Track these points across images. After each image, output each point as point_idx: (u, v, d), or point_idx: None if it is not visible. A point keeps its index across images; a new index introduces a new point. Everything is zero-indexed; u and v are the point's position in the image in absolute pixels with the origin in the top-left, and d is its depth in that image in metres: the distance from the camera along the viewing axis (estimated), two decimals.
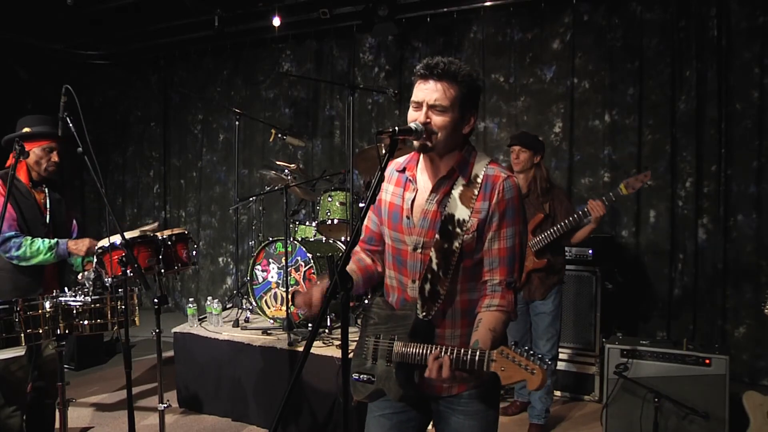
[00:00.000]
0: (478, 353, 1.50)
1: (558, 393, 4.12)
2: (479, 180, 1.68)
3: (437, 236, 1.68)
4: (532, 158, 3.45)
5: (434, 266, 1.68)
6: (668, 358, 3.20)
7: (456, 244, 1.66)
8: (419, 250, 1.73)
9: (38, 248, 2.72)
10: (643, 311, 4.75)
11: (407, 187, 1.79)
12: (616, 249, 4.74)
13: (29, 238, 2.72)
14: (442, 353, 1.55)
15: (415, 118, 1.65)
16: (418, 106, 1.66)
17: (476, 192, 1.67)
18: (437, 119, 1.64)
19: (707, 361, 3.11)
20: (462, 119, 1.67)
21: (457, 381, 1.57)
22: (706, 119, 4.51)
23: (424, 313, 1.69)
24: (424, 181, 1.77)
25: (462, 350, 1.53)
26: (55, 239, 2.78)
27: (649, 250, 4.76)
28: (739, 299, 4.42)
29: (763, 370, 4.33)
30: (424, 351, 1.62)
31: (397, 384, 1.70)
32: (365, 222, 1.93)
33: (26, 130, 2.79)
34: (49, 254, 2.74)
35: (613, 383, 3.28)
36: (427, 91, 1.65)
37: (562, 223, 3.34)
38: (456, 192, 1.69)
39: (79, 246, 2.82)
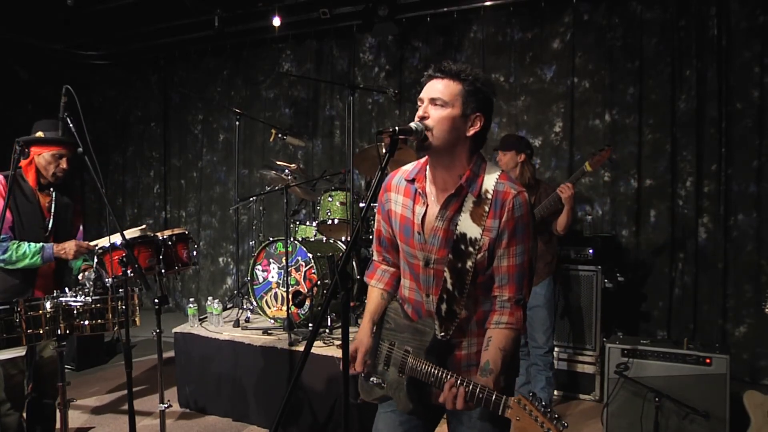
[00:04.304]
0: (494, 397, 1.50)
1: (558, 392, 4.13)
2: (489, 196, 1.64)
3: (450, 256, 1.66)
4: (515, 158, 3.58)
5: (449, 286, 1.67)
6: (669, 358, 3.20)
7: (469, 263, 1.64)
8: (431, 266, 1.72)
9: (24, 252, 2.70)
10: (644, 311, 4.75)
11: (417, 200, 1.75)
12: (616, 248, 4.74)
13: (16, 242, 2.70)
14: (458, 383, 1.55)
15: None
16: (421, 102, 1.66)
17: (486, 209, 1.64)
18: (435, 113, 1.61)
19: (708, 361, 3.11)
20: (463, 118, 1.62)
21: (469, 409, 1.57)
22: (707, 119, 4.51)
23: (442, 333, 1.69)
24: (433, 194, 1.73)
25: (479, 387, 1.53)
26: (41, 243, 2.75)
27: (650, 250, 4.75)
28: (740, 298, 4.42)
29: (764, 369, 4.33)
30: (439, 374, 1.62)
31: (407, 398, 1.70)
32: (376, 225, 1.93)
33: (39, 134, 2.81)
34: (35, 258, 2.72)
35: (614, 383, 3.28)
36: (429, 88, 1.65)
37: (541, 205, 3.49)
38: (466, 209, 1.66)
39: (66, 250, 2.78)
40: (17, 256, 2.68)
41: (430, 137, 1.61)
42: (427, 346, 1.69)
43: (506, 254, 1.65)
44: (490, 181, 1.66)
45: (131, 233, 2.99)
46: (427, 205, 1.73)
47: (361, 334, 1.83)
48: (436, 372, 1.63)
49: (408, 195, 1.78)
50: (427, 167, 1.75)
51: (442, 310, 1.68)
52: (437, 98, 1.62)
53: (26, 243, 2.72)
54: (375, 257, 1.98)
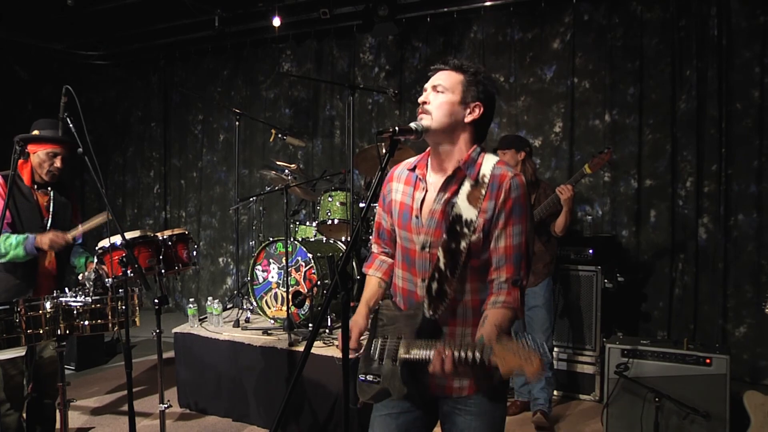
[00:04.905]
0: (478, 346, 1.50)
1: (558, 392, 4.13)
2: (486, 180, 1.68)
3: (445, 236, 1.68)
4: (516, 156, 3.63)
5: (441, 266, 1.68)
6: (669, 358, 3.20)
7: (463, 244, 1.66)
8: (427, 249, 1.73)
9: (11, 243, 2.67)
10: (644, 311, 4.75)
11: (417, 186, 1.80)
12: (616, 248, 4.74)
13: (6, 234, 2.69)
14: (445, 349, 1.54)
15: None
16: (425, 91, 1.74)
17: (483, 192, 1.67)
18: (435, 98, 1.70)
19: (708, 361, 3.11)
20: (462, 104, 1.70)
21: (460, 376, 1.56)
22: (707, 118, 4.51)
23: (431, 312, 1.69)
24: (433, 180, 1.78)
25: (464, 345, 1.53)
26: (26, 234, 2.73)
27: (650, 250, 4.75)
28: (740, 299, 4.42)
29: (764, 369, 4.33)
30: (429, 349, 1.61)
31: (401, 381, 1.69)
32: (377, 218, 1.97)
33: (35, 132, 2.81)
34: (18, 249, 2.68)
35: (614, 383, 3.28)
36: (434, 78, 1.75)
37: (540, 207, 3.52)
38: (463, 192, 1.69)
39: (42, 239, 2.72)
40: (5, 247, 2.67)
41: (429, 120, 1.69)
42: (417, 328, 1.69)
43: (503, 234, 1.66)
44: (487, 166, 1.70)
45: (90, 226, 2.94)
46: (426, 190, 1.77)
47: (356, 317, 1.85)
48: (426, 348, 1.62)
49: (409, 183, 1.83)
50: (429, 157, 1.81)
51: (433, 289, 1.69)
52: (438, 84, 1.71)
53: (14, 235, 2.70)
54: (374, 249, 2.01)
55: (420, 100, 1.72)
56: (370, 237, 4.12)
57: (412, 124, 1.66)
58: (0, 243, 2.67)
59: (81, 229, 2.87)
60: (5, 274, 2.75)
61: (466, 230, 1.66)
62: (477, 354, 1.49)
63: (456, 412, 1.76)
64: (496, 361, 1.44)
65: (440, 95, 1.70)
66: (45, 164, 2.81)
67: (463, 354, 1.51)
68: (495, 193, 1.66)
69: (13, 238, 2.69)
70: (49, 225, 2.85)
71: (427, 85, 1.74)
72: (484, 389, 1.73)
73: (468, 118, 1.71)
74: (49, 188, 2.89)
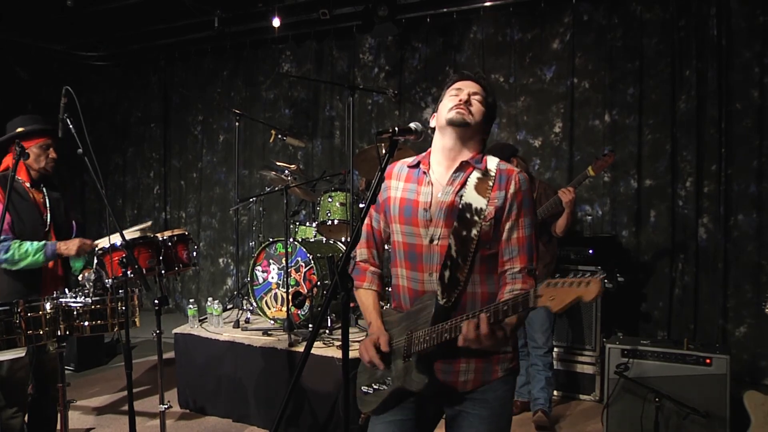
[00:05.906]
0: (520, 296, 1.47)
1: (558, 392, 4.13)
2: (493, 173, 1.75)
3: (456, 224, 1.71)
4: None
5: (453, 253, 1.69)
6: (669, 358, 3.20)
7: (474, 231, 1.69)
8: (436, 242, 1.73)
9: (26, 250, 2.67)
10: (644, 311, 4.75)
11: (421, 181, 1.81)
12: (616, 249, 4.74)
13: (18, 241, 2.68)
14: (477, 313, 1.53)
15: (454, 101, 1.76)
16: (459, 91, 1.79)
17: (491, 183, 1.73)
18: (476, 104, 1.78)
19: (708, 361, 3.11)
20: (486, 121, 1.80)
21: (493, 341, 1.53)
22: (707, 119, 4.51)
23: (444, 300, 1.68)
24: (438, 175, 1.80)
25: (500, 302, 1.52)
26: (44, 241, 2.73)
27: (650, 250, 4.75)
28: (740, 299, 4.42)
29: (764, 369, 4.33)
30: (453, 324, 1.59)
31: (418, 372, 1.66)
32: (367, 221, 1.92)
33: (20, 129, 2.79)
34: (37, 255, 2.68)
35: (614, 383, 3.28)
36: (468, 85, 1.81)
37: (542, 207, 3.51)
38: (471, 183, 1.74)
39: (69, 246, 2.75)
40: (20, 254, 2.67)
41: (471, 119, 1.74)
42: (432, 317, 1.66)
43: (516, 226, 1.71)
44: (492, 163, 1.78)
45: (133, 231, 2.99)
46: (432, 184, 1.79)
47: (375, 329, 1.80)
48: (449, 325, 1.59)
49: (410, 180, 1.84)
50: (431, 156, 1.83)
51: (446, 277, 1.69)
52: (477, 93, 1.79)
53: (28, 242, 2.70)
54: (362, 257, 1.93)
55: (462, 98, 1.76)
56: None
57: (412, 125, 1.65)
58: (13, 250, 2.66)
59: (104, 241, 2.89)
60: (13, 276, 2.73)
61: (476, 218, 1.69)
62: (519, 302, 1.46)
63: (463, 415, 1.75)
64: (545, 303, 1.39)
65: (477, 103, 1.78)
66: (41, 158, 2.82)
67: (501, 309, 1.49)
68: (504, 185, 1.72)
69: (28, 245, 2.68)
70: (48, 221, 2.85)
71: (463, 87, 1.80)
72: (489, 383, 1.73)
73: (485, 130, 1.84)
74: (42, 185, 2.89)
